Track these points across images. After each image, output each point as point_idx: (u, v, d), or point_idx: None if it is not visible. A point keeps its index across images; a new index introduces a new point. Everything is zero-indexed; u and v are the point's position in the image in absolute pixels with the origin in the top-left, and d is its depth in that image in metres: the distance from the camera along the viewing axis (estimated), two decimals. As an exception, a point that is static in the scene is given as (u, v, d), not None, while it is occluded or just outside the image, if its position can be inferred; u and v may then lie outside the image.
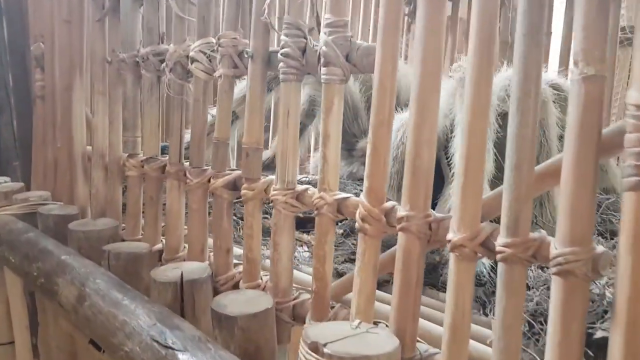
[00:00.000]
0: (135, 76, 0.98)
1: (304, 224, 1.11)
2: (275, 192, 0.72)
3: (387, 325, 0.61)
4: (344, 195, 0.66)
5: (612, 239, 0.98)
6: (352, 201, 0.66)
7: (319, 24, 0.71)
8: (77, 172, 1.12)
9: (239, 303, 0.68)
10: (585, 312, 0.47)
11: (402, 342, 0.57)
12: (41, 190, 1.22)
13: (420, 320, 0.61)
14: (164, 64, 0.89)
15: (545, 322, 0.67)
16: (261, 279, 0.79)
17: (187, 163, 0.88)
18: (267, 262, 0.89)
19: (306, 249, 1.00)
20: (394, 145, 1.01)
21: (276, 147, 1.42)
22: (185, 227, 0.93)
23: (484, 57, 0.51)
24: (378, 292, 0.66)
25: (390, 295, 0.77)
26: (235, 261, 0.84)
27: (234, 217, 0.97)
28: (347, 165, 1.38)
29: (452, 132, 1.04)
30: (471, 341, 0.58)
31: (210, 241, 0.89)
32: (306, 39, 0.69)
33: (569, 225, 0.46)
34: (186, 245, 0.92)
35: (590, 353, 0.62)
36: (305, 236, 1.04)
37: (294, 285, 0.75)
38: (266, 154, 1.49)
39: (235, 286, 0.82)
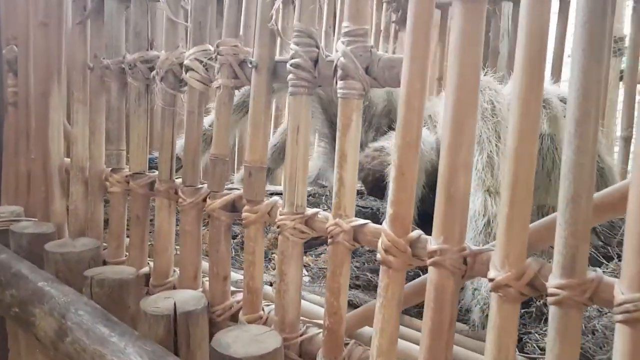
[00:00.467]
0: (121, 84, 0.90)
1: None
2: (282, 216, 0.65)
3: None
4: (361, 221, 0.60)
5: None
6: (371, 229, 0.60)
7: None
8: (53, 186, 1.03)
9: (243, 342, 0.61)
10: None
11: (435, 391, 0.51)
12: (12, 205, 1.13)
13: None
14: (153, 72, 0.81)
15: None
16: (263, 310, 0.72)
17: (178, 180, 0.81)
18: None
19: (305, 272, 0.93)
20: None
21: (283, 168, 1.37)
22: (176, 248, 0.85)
23: (534, 75, 0.46)
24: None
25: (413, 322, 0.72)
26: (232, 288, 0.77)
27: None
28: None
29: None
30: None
31: (204, 265, 0.82)
32: (318, 48, 0.63)
33: (638, 267, 0.41)
34: (176, 270, 0.85)
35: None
36: (304, 258, 0.97)
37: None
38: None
39: (234, 317, 0.75)
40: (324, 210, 0.66)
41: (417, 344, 0.57)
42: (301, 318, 0.69)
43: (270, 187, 1.49)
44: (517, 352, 0.70)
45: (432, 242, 0.52)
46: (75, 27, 0.94)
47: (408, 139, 0.54)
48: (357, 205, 1.39)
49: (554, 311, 0.45)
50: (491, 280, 0.48)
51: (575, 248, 0.44)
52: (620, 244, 0.94)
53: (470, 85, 0.50)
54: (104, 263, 0.93)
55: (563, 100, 0.99)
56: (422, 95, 0.54)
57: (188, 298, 0.72)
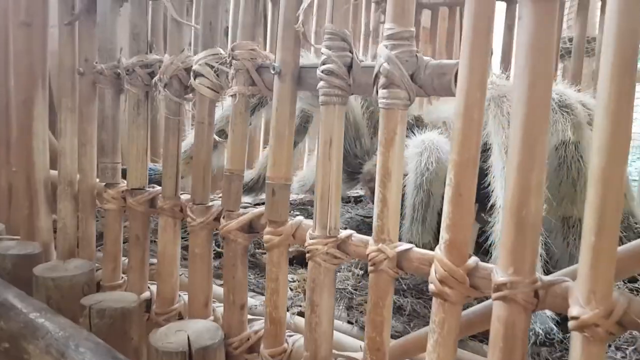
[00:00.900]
0: (116, 91, 0.82)
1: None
2: (313, 240, 0.58)
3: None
4: (405, 246, 0.54)
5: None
6: (417, 254, 0.53)
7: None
8: (38, 201, 0.95)
9: (275, 384, 0.54)
10: None
11: None
12: (-8, 222, 1.04)
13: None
14: (155, 78, 0.73)
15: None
16: (286, 341, 0.65)
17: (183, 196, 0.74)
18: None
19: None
20: (418, 171, 0.89)
21: (261, 167, 1.28)
22: (181, 273, 0.78)
23: (624, 86, 0.40)
24: None
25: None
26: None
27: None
28: (348, 189, 1.26)
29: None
30: None
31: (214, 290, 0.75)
32: (352, 52, 0.56)
33: None
34: (182, 295, 0.77)
35: None
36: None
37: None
38: (248, 175, 1.35)
39: (251, 349, 0.68)
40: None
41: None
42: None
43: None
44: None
45: (500, 274, 0.46)
46: (63, 29, 0.85)
47: (467, 155, 0.48)
48: (359, 215, 1.33)
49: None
50: (574, 318, 0.42)
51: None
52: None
53: (542, 98, 0.44)
54: (98, 287, 0.85)
55: (585, 106, 0.94)
56: (482, 106, 0.48)
57: (202, 330, 0.65)
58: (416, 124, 1.24)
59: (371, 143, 1.14)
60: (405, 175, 0.93)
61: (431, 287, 0.50)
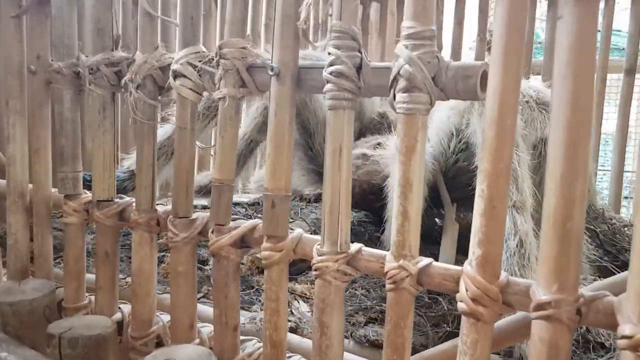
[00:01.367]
0: (75, 92, 0.73)
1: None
2: (322, 257, 0.53)
3: None
4: (426, 261, 0.50)
5: None
6: (440, 269, 0.50)
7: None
8: (-18, 215, 0.85)
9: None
10: None
11: None
12: None
13: None
14: (125, 78, 0.66)
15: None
16: (286, 364, 0.60)
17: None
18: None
19: (303, 304, 0.82)
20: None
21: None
22: (159, 291, 0.71)
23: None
24: None
25: None
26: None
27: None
28: (315, 188, 1.21)
29: (455, 154, 0.91)
30: None
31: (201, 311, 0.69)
32: (361, 52, 0.52)
33: None
34: (159, 316, 0.71)
35: None
36: (297, 286, 0.85)
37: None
38: (206, 178, 1.28)
39: (245, 373, 0.62)
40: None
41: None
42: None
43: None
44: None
45: (541, 291, 0.43)
46: (9, 22, 0.76)
47: (501, 165, 0.44)
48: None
49: None
50: (626, 337, 0.40)
51: None
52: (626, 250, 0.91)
53: (585, 103, 0.41)
54: (60, 309, 0.77)
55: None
56: (516, 112, 0.45)
57: (192, 356, 0.59)
58: (381, 121, 1.21)
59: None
60: (387, 177, 0.90)
61: (461, 306, 0.47)
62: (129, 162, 1.18)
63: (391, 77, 0.49)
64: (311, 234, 0.59)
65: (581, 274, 0.81)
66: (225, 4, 1.37)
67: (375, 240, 1.02)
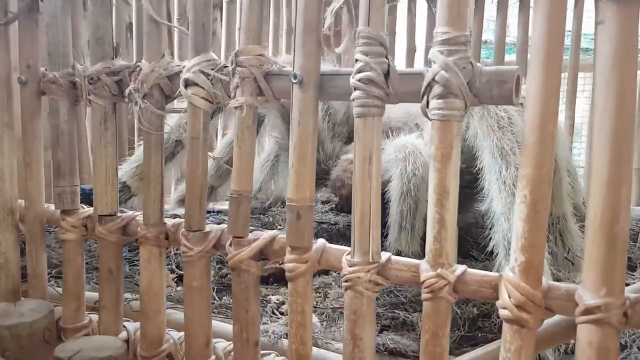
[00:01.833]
0: (72, 103, 0.70)
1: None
2: (354, 268, 0.52)
3: None
4: (461, 268, 0.50)
5: None
6: (476, 277, 0.49)
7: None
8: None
9: None
10: None
11: None
12: None
13: None
14: (129, 87, 0.63)
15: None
16: (310, 378, 0.59)
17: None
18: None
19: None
20: (404, 177, 0.85)
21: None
22: (174, 310, 0.69)
23: None
24: None
25: None
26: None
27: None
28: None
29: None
30: None
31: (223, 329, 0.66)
32: (387, 58, 0.51)
33: None
34: (169, 333, 0.68)
35: None
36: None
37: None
38: (184, 189, 1.25)
39: (267, 390, 0.61)
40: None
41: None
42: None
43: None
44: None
45: (589, 295, 0.43)
46: (-5, 30, 0.72)
47: (543, 170, 0.44)
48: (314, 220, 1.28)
49: None
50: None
51: None
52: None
53: (629, 107, 0.42)
54: (59, 330, 0.73)
55: None
56: (557, 116, 0.45)
57: (215, 376, 0.57)
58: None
59: (332, 147, 1.09)
60: (387, 181, 0.89)
61: (504, 313, 0.46)
62: (120, 172, 1.14)
63: (425, 84, 0.48)
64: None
65: (578, 271, 0.83)
66: (230, 13, 1.34)
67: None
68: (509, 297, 0.46)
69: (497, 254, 0.76)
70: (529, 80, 0.45)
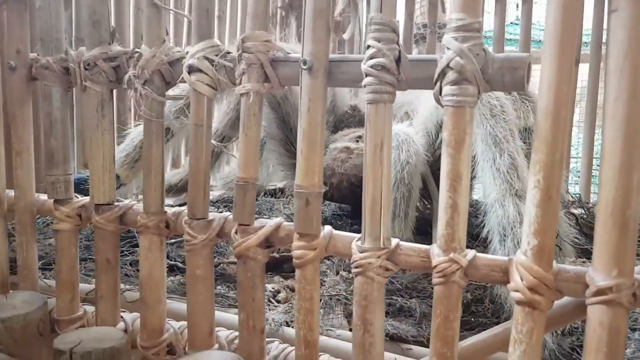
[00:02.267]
0: (65, 89, 0.68)
1: (280, 265, 0.92)
2: (364, 254, 0.52)
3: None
4: (472, 252, 0.50)
5: None
6: (485, 261, 0.50)
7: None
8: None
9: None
10: None
11: None
12: None
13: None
14: (129, 73, 0.62)
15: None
16: (318, 364, 0.59)
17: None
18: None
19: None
20: (398, 165, 0.86)
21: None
22: (168, 299, 0.68)
23: None
24: None
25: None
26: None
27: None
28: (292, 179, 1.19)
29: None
30: None
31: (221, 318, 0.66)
32: (399, 45, 0.51)
33: None
34: (170, 323, 0.67)
35: None
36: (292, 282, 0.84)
37: None
38: (176, 175, 1.23)
39: (272, 376, 0.61)
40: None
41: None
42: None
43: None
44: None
45: (600, 277, 0.44)
46: (-18, 13, 0.70)
47: (557, 155, 0.45)
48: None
49: None
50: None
51: None
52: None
53: (640, 93, 0.43)
54: (53, 323, 0.72)
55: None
56: (570, 103, 0.45)
57: (221, 364, 0.57)
58: (353, 114, 1.21)
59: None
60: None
61: (517, 295, 0.47)
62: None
63: (438, 70, 0.48)
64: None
65: (566, 256, 0.85)
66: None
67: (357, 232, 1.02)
68: (522, 280, 0.47)
69: (490, 240, 0.77)
70: (542, 65, 0.45)
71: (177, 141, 1.12)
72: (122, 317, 0.70)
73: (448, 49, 0.47)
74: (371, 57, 0.51)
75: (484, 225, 0.78)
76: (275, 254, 0.89)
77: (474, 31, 0.47)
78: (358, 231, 0.54)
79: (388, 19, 0.50)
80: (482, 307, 0.79)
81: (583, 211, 1.06)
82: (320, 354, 0.61)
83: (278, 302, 0.79)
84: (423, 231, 0.96)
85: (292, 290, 0.83)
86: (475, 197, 1.07)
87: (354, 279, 0.54)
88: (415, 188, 0.87)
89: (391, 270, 0.53)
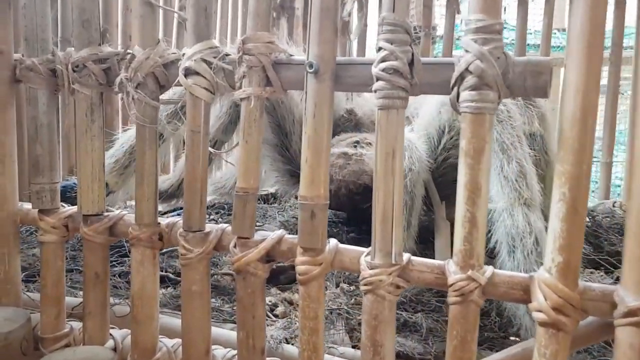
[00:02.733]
0: (52, 92, 0.64)
1: (276, 276, 0.88)
2: (374, 270, 0.49)
3: None
4: (489, 270, 0.47)
5: None
6: (505, 278, 0.47)
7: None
8: None
9: None
10: None
11: None
12: None
13: None
14: (120, 76, 0.58)
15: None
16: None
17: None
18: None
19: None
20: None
21: (180, 171, 1.14)
22: (160, 314, 0.64)
23: None
24: None
25: None
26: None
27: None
28: (290, 188, 1.15)
29: (447, 151, 0.90)
30: None
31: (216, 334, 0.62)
32: (412, 47, 0.48)
33: None
34: (162, 341, 0.63)
35: None
36: (296, 296, 0.80)
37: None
38: (166, 181, 1.19)
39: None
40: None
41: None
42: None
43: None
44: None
45: (632, 297, 0.41)
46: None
47: (584, 166, 0.42)
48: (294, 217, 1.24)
49: None
50: None
51: None
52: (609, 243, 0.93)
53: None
54: (37, 341, 0.67)
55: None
56: (597, 110, 0.43)
57: (221, 387, 0.53)
58: (349, 118, 1.18)
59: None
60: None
61: (540, 316, 0.44)
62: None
63: (456, 74, 0.45)
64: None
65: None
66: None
67: (354, 241, 0.99)
68: (545, 300, 0.44)
69: (498, 251, 0.74)
70: (568, 70, 0.42)
71: (167, 146, 1.08)
72: (111, 334, 0.66)
73: (467, 51, 0.44)
74: (383, 60, 0.47)
75: (491, 236, 0.74)
76: (279, 264, 0.85)
77: (494, 33, 0.44)
78: (354, 239, 0.51)
79: (401, 20, 0.47)
80: (488, 320, 0.76)
81: (588, 219, 1.03)
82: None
83: (276, 316, 0.76)
84: (424, 240, 0.93)
85: (290, 303, 0.79)
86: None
87: (360, 294, 0.50)
88: (418, 196, 0.83)
89: (402, 287, 0.50)
